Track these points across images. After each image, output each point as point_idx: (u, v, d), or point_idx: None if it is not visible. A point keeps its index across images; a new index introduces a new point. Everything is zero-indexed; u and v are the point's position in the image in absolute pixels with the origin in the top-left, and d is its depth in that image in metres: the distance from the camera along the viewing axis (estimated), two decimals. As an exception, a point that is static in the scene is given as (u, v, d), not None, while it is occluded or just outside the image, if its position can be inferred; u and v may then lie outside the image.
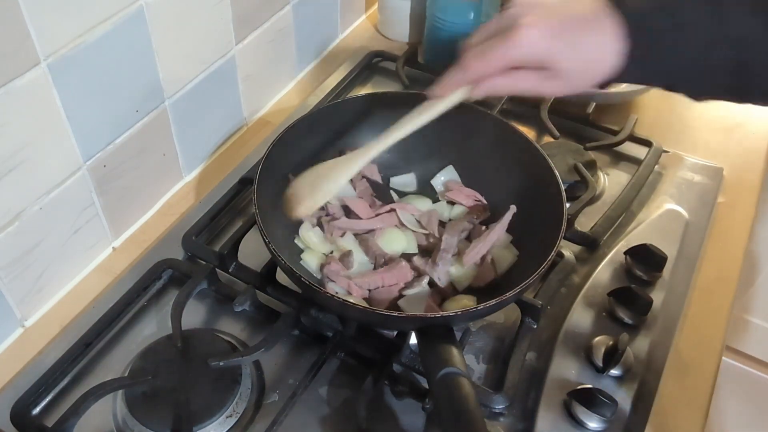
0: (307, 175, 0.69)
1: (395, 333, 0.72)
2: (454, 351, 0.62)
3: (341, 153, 0.83)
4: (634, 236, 0.84)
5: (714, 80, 0.55)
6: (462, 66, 0.59)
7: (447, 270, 0.75)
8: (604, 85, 0.57)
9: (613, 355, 0.69)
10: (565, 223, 0.70)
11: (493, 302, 0.64)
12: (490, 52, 0.56)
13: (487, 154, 0.82)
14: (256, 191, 0.71)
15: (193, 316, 0.75)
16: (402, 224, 0.80)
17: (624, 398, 0.68)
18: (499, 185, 0.82)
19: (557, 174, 0.74)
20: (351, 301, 0.65)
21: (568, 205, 0.84)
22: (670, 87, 0.58)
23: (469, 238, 0.79)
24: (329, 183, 0.67)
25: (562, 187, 0.73)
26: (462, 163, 0.86)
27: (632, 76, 0.57)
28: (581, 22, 0.55)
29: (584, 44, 0.55)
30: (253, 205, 0.70)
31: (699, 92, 0.58)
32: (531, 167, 0.77)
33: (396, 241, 0.79)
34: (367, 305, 0.68)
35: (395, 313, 0.65)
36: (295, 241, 0.78)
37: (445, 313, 0.63)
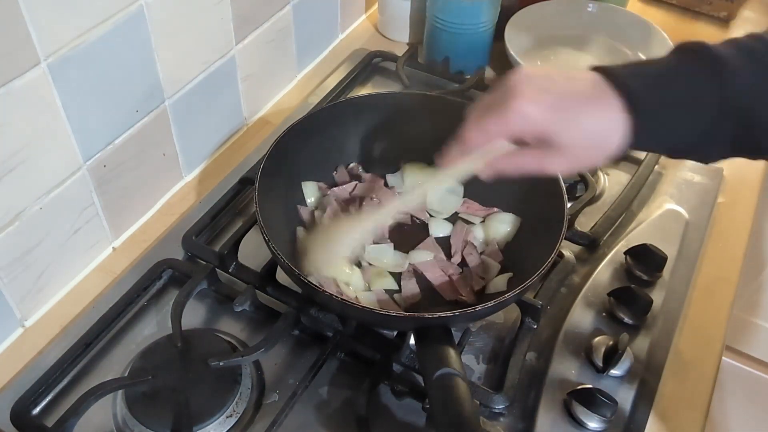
0: (319, 238, 0.71)
1: (395, 333, 0.72)
2: (451, 352, 0.62)
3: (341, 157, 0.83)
4: (634, 236, 0.84)
5: (722, 147, 0.55)
6: (461, 138, 0.58)
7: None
8: (612, 159, 0.56)
9: (613, 355, 0.69)
10: (566, 225, 0.70)
11: (491, 303, 0.64)
12: (486, 125, 0.55)
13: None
14: (258, 189, 0.71)
15: (193, 316, 0.75)
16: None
17: (624, 398, 0.68)
18: (500, 185, 0.82)
19: (559, 174, 0.74)
20: (350, 300, 0.65)
21: (568, 205, 0.85)
22: (677, 156, 0.58)
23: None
24: (340, 248, 0.68)
25: (564, 188, 0.73)
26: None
27: (638, 148, 0.56)
28: (582, 99, 0.54)
29: (587, 121, 0.53)
30: (254, 204, 0.70)
31: (708, 158, 0.58)
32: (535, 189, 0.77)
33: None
34: (366, 305, 0.68)
35: (393, 313, 0.65)
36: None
37: (442, 314, 0.63)
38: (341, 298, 0.64)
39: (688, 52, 0.54)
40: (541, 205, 0.75)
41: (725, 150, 0.55)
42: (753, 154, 0.57)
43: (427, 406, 0.66)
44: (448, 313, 0.63)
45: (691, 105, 0.53)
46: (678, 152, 0.58)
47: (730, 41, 0.54)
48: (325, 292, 0.65)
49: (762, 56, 0.53)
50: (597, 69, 0.55)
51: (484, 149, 0.58)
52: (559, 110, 0.53)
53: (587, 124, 0.54)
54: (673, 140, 0.55)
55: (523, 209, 0.79)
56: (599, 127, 0.54)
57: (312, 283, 0.64)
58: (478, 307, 0.64)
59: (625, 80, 0.53)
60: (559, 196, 0.73)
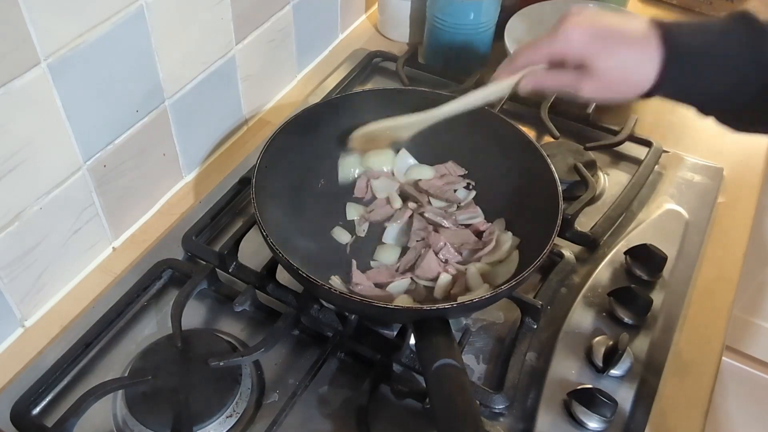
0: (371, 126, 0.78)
1: (395, 333, 0.72)
2: (450, 343, 0.62)
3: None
4: (634, 236, 0.84)
5: (745, 105, 0.59)
6: (512, 56, 0.66)
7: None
8: (642, 97, 0.61)
9: (613, 355, 0.69)
10: (560, 218, 0.70)
11: (487, 295, 0.64)
12: (536, 44, 0.63)
13: (486, 150, 0.82)
14: (255, 186, 0.72)
15: (193, 316, 0.75)
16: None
17: (624, 398, 0.68)
18: (498, 181, 0.82)
19: (554, 170, 0.74)
20: (348, 293, 0.65)
21: (566, 205, 0.85)
22: (700, 108, 0.62)
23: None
24: (383, 128, 0.78)
25: (559, 184, 0.73)
26: (461, 158, 0.86)
27: (666, 94, 0.60)
28: (625, 35, 0.59)
29: (623, 54, 0.59)
30: (251, 200, 0.71)
31: (729, 114, 0.62)
32: (529, 164, 0.77)
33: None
34: (364, 298, 0.68)
35: (391, 305, 0.65)
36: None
37: (441, 306, 0.63)
38: (340, 292, 0.64)
39: (734, 16, 0.58)
40: (538, 201, 0.75)
41: (754, 113, 0.59)
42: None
43: (428, 406, 0.66)
44: (446, 305, 0.63)
45: (724, 52, 0.57)
46: (706, 104, 0.61)
47: None
48: (324, 285, 0.65)
49: None
50: (649, 20, 0.60)
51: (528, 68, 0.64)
52: (600, 38, 0.59)
53: (623, 54, 0.59)
54: (702, 86, 0.59)
55: (519, 205, 0.79)
56: (633, 59, 0.59)
57: (311, 278, 0.65)
58: (476, 299, 0.64)
59: (667, 26, 0.58)
60: (553, 188, 0.73)
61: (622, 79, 0.60)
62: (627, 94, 0.61)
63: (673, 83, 0.59)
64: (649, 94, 0.60)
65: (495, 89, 0.68)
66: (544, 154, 0.76)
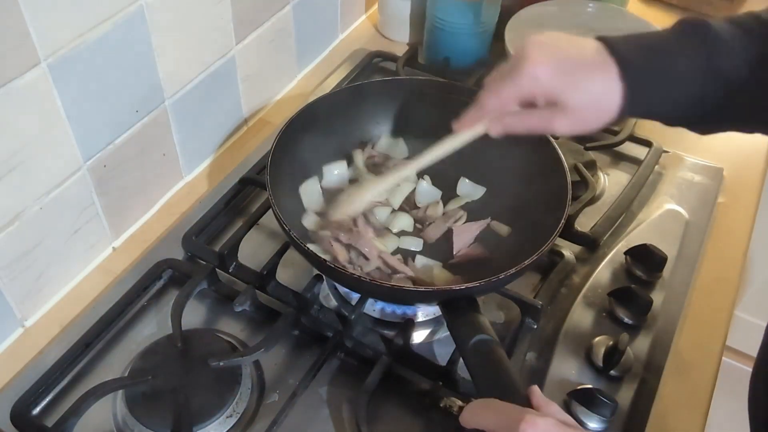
0: (348, 189, 0.78)
1: (395, 333, 0.72)
2: (481, 319, 0.63)
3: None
4: (634, 236, 0.84)
5: (713, 116, 0.59)
6: (478, 103, 0.63)
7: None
8: (614, 123, 0.60)
9: (613, 355, 0.69)
10: (568, 204, 0.70)
11: (513, 270, 0.64)
12: (501, 88, 0.60)
13: (494, 143, 0.82)
14: (269, 171, 0.72)
15: (193, 316, 0.75)
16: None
17: (624, 398, 0.68)
18: (505, 173, 0.82)
19: (564, 162, 0.74)
20: (367, 278, 0.65)
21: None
22: (673, 124, 0.61)
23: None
24: (361, 197, 0.74)
25: (568, 174, 0.73)
26: (467, 150, 0.86)
27: (635, 114, 0.61)
28: (585, 63, 0.58)
29: (590, 84, 0.58)
30: (267, 189, 0.71)
31: (701, 127, 0.61)
32: (538, 156, 0.77)
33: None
34: (384, 281, 0.68)
35: (421, 288, 0.65)
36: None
37: (469, 285, 0.63)
38: (359, 276, 0.64)
39: (683, 24, 0.58)
40: (546, 191, 0.75)
41: (716, 119, 0.59)
42: (744, 124, 0.61)
43: (427, 401, 0.66)
44: (473, 284, 0.63)
45: (680, 71, 0.56)
46: (671, 119, 0.61)
47: (726, 17, 0.58)
48: (341, 269, 0.65)
49: (752, 28, 0.56)
50: (599, 38, 0.59)
51: (498, 113, 0.62)
52: (566, 73, 0.58)
53: (590, 87, 0.58)
54: (664, 106, 0.59)
55: (529, 194, 0.79)
56: (600, 90, 0.58)
57: (328, 262, 0.65)
58: (501, 275, 0.64)
59: (619, 48, 0.57)
60: (563, 178, 0.73)
61: (594, 111, 0.59)
62: (598, 124, 0.60)
63: (636, 106, 0.58)
64: (616, 120, 0.60)
65: (468, 136, 0.66)
66: (555, 144, 0.76)
